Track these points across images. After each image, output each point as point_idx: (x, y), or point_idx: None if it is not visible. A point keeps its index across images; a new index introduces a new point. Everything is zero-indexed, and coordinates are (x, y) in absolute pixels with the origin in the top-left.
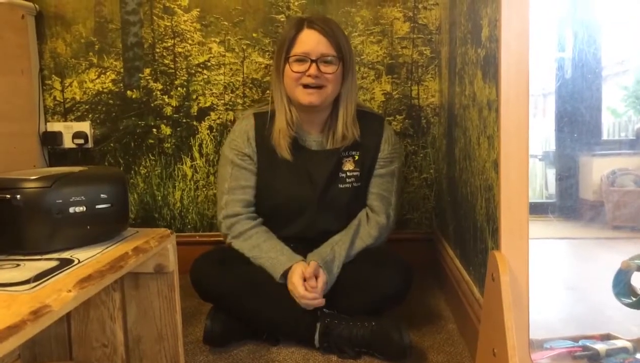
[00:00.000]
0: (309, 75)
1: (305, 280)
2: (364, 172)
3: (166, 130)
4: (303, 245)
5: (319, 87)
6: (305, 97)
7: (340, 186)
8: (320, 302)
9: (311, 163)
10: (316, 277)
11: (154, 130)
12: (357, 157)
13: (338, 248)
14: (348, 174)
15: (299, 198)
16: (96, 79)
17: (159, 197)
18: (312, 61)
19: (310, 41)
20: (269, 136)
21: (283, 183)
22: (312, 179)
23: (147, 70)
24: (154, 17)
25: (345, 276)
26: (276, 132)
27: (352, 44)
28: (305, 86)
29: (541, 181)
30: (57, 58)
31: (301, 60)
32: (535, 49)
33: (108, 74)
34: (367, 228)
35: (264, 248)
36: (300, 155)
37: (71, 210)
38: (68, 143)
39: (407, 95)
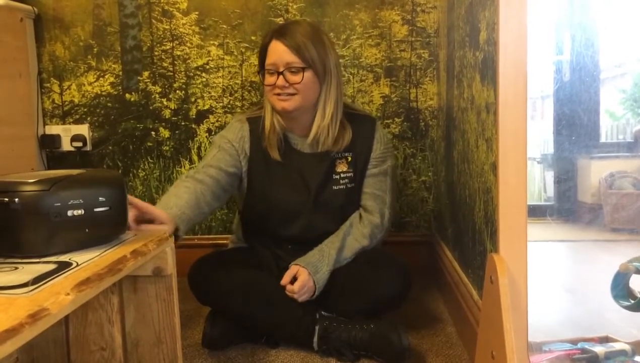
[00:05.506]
0: (277, 87)
1: (285, 288)
2: (357, 173)
3: (165, 133)
4: (302, 246)
5: (291, 94)
6: (278, 103)
7: (335, 188)
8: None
9: (304, 166)
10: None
11: (153, 133)
12: (350, 159)
13: (326, 247)
14: (342, 175)
15: (294, 201)
16: (95, 81)
17: (158, 200)
18: (279, 73)
19: (275, 53)
20: (262, 140)
21: (278, 187)
22: (305, 182)
23: (146, 73)
24: (153, 20)
25: (344, 279)
26: (265, 136)
27: (351, 47)
28: (278, 94)
29: (540, 184)
30: (56, 61)
31: (271, 71)
32: (533, 52)
33: (107, 76)
34: (360, 227)
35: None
36: (294, 159)
37: (69, 213)
38: (66, 146)
39: (405, 98)
